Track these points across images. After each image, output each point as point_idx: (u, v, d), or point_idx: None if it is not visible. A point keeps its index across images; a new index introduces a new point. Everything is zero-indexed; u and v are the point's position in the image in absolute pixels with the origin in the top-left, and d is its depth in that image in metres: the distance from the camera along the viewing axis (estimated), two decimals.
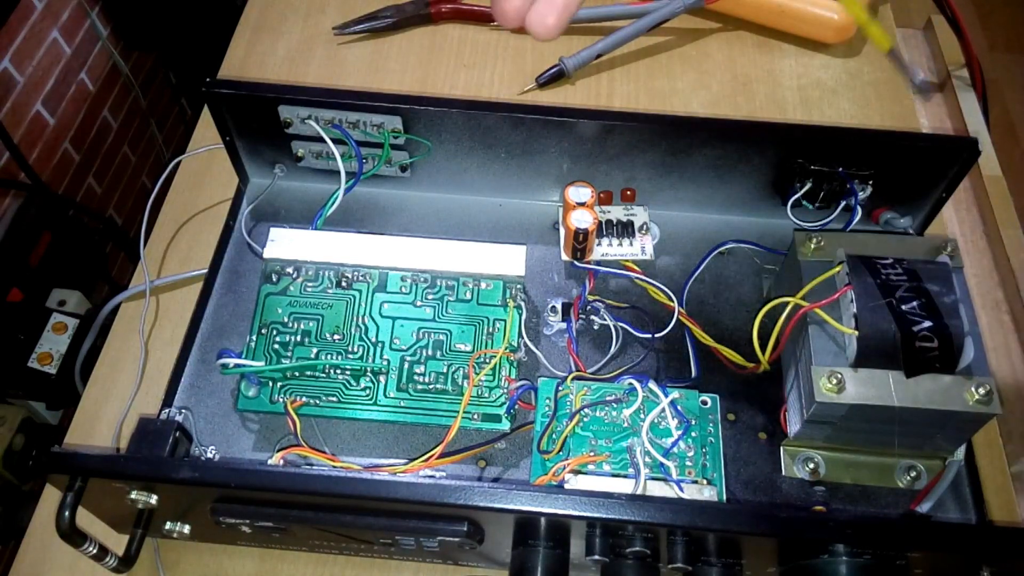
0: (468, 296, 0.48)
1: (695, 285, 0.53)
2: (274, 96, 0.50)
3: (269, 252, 0.49)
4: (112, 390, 0.49)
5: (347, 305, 0.48)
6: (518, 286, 0.49)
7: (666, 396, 0.43)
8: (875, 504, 0.45)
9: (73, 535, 0.38)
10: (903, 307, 0.41)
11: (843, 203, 0.52)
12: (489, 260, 0.49)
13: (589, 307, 0.52)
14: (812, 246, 0.46)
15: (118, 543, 0.42)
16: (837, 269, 0.44)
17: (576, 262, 0.52)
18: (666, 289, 0.51)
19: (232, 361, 0.45)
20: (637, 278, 0.52)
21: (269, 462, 0.42)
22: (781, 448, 0.47)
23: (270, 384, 0.46)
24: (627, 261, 0.53)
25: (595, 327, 0.51)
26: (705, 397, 0.45)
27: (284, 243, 0.49)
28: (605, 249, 0.53)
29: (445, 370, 0.47)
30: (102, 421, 0.47)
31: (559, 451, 0.42)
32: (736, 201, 0.55)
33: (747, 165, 0.52)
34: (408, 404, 0.46)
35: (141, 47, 1.23)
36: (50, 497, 0.46)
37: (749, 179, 0.53)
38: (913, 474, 0.45)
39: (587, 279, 0.52)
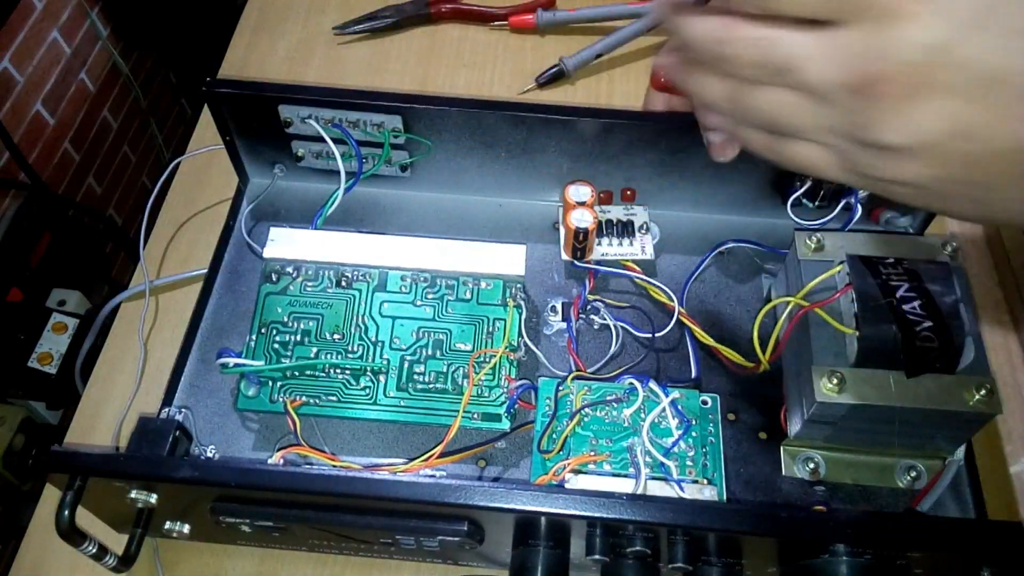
0: (468, 296, 0.48)
1: (695, 285, 0.53)
2: (274, 96, 0.50)
3: (269, 252, 0.49)
4: (112, 390, 0.49)
5: (347, 304, 0.48)
6: (518, 285, 0.49)
7: (666, 396, 0.43)
8: (875, 504, 0.45)
9: (73, 534, 0.38)
10: (904, 307, 0.41)
11: (843, 202, 0.52)
12: (489, 260, 0.49)
13: (589, 307, 0.52)
14: (812, 246, 0.46)
15: (118, 542, 0.42)
16: (837, 269, 0.44)
17: (576, 262, 0.52)
18: (666, 289, 0.51)
19: (232, 361, 0.45)
20: (637, 278, 0.52)
21: (269, 461, 0.41)
22: (781, 448, 0.47)
23: (270, 383, 0.46)
24: (627, 261, 0.53)
25: (595, 327, 0.51)
26: (705, 397, 0.45)
27: (284, 243, 0.49)
28: (605, 249, 0.53)
29: (445, 369, 0.47)
30: (102, 421, 0.47)
31: (559, 451, 0.42)
32: (736, 200, 0.55)
33: (747, 164, 0.51)
34: (408, 404, 0.46)
35: (141, 47, 1.24)
36: (50, 497, 0.46)
37: (749, 178, 0.53)
38: (913, 474, 0.45)
39: (587, 279, 0.52)
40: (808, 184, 0.51)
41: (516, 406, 0.46)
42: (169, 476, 0.37)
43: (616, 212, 0.54)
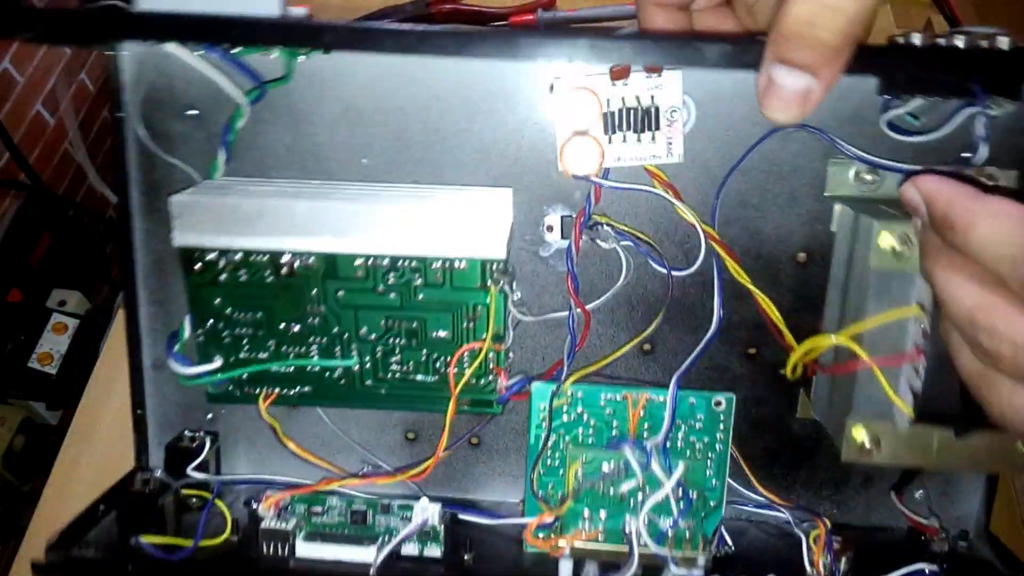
0: (440, 280, 0.39)
1: (735, 177, 0.41)
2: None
3: (180, 237, 0.38)
4: (112, 390, 0.47)
5: (296, 295, 0.39)
6: (499, 265, 0.38)
7: (669, 475, 0.37)
8: None
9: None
10: None
11: (958, 121, 0.35)
12: (461, 233, 0.37)
13: (594, 227, 0.41)
14: (894, 249, 0.34)
15: None
16: (914, 312, 0.33)
17: (578, 174, 0.40)
18: (694, 212, 0.39)
19: (188, 371, 0.40)
20: (660, 195, 0.40)
21: (259, 510, 0.40)
22: (800, 391, 0.43)
23: (236, 376, 0.41)
24: (649, 166, 0.40)
25: (601, 249, 0.42)
26: (719, 398, 0.40)
27: (193, 219, 0.37)
28: (618, 150, 0.39)
29: (424, 359, 0.41)
30: (102, 421, 0.47)
31: (552, 492, 0.39)
32: None
33: None
34: (389, 392, 0.41)
35: None
36: (50, 497, 0.46)
37: None
38: None
39: (592, 192, 0.40)
40: (917, 101, 0.35)
41: (509, 400, 0.41)
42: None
43: (637, 88, 0.38)
